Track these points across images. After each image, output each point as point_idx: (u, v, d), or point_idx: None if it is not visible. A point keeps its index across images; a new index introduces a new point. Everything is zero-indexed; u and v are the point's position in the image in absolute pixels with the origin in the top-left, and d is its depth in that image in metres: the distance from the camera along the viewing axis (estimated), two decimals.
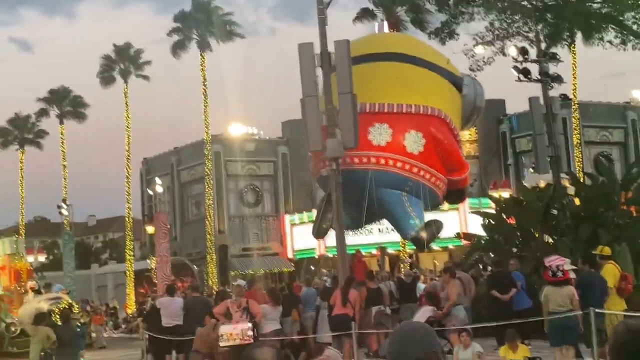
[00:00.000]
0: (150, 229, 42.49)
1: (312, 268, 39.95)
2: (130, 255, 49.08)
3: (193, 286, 21.90)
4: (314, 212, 39.34)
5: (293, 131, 43.87)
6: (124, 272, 50.65)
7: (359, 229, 21.69)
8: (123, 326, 41.61)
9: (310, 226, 39.40)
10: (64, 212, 48.07)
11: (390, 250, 36.32)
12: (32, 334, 17.51)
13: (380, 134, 19.06)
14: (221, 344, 2.98)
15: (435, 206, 20.94)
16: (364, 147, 18.65)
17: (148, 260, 44.72)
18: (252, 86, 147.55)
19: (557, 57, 26.63)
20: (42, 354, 16.98)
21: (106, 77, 49.46)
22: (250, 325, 3.20)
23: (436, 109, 19.79)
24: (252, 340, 3.13)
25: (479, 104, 21.48)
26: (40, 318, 18.03)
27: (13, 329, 29.96)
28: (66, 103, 53.36)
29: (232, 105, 68.25)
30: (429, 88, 20.25)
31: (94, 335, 33.45)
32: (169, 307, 18.05)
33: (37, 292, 31.28)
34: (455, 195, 21.26)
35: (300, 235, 42.15)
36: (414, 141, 19.16)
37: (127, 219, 50.56)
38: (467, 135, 40.14)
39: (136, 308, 42.28)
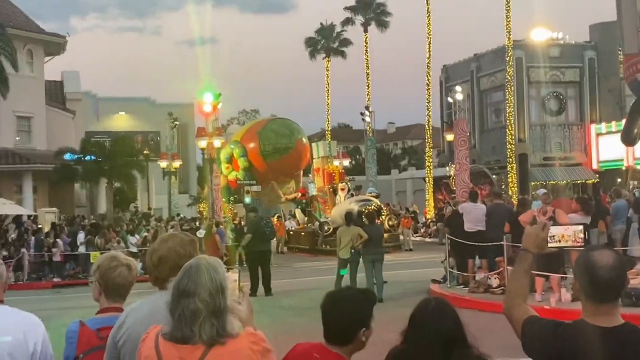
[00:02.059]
0: (449, 137, 42.71)
1: (619, 180, 37.96)
2: (429, 162, 49.86)
3: (495, 192, 21.67)
4: (624, 121, 37.26)
5: (602, 34, 41.39)
6: (422, 179, 51.66)
7: None
8: (422, 230, 42.64)
9: (619, 136, 37.47)
10: (367, 119, 49.70)
11: None
12: (342, 232, 18.41)
13: None
14: (550, 244, 2.88)
15: None
16: None
17: (447, 168, 45.14)
18: None
19: None
20: (352, 251, 17.84)
21: None
22: (582, 227, 3.08)
23: None
24: (583, 243, 3.02)
25: None
26: (350, 217, 18.94)
27: (326, 227, 31.87)
28: (370, 11, 54.63)
29: (536, 9, 65.51)
30: None
31: (401, 238, 34.54)
32: (472, 212, 18.04)
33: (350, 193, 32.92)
34: None
35: (606, 146, 40.15)
36: None
37: (426, 126, 51.24)
38: None
39: (435, 213, 43.09)
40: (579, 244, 3.58)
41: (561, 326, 3.21)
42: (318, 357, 3.54)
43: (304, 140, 41.94)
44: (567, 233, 3.61)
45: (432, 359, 3.39)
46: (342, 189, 34.21)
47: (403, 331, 3.51)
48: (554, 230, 3.55)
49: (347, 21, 56.02)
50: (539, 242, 3.51)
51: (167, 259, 3.92)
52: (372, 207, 29.87)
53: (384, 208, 33.49)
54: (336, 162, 41.10)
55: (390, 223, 33.80)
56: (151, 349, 3.14)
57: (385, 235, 32.45)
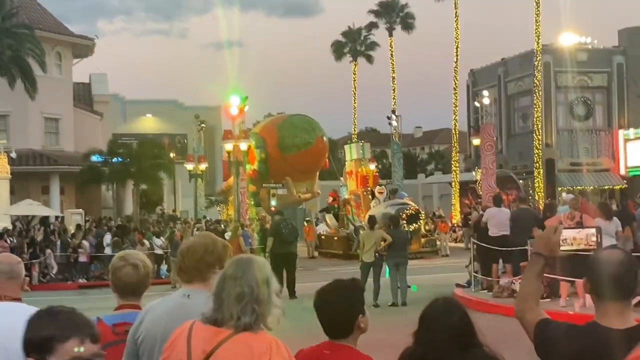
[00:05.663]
0: (475, 141, 42.52)
1: None
2: (455, 167, 49.68)
3: (520, 197, 21.60)
4: None
5: (631, 39, 41.06)
6: (449, 183, 51.47)
7: None
8: (449, 235, 42.40)
9: None
10: (393, 122, 49.59)
11: None
12: (366, 236, 18.40)
13: None
14: (563, 247, 2.83)
15: None
16: None
17: (473, 172, 44.95)
18: None
19: None
20: (376, 255, 17.82)
21: None
22: (594, 230, 3.00)
23: None
24: (596, 246, 2.94)
25: None
26: (374, 221, 18.90)
27: (361, 231, 31.57)
28: (395, 15, 54.51)
29: (564, 13, 65.02)
30: None
31: (438, 243, 34.15)
32: (496, 216, 17.97)
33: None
34: None
35: (635, 151, 39.89)
36: None
37: (453, 130, 51.06)
38: None
39: (461, 218, 42.89)
40: (591, 247, 3.53)
41: (573, 328, 3.18)
42: (329, 353, 3.56)
43: (325, 139, 41.19)
44: (579, 236, 3.57)
45: (443, 359, 3.37)
46: (380, 192, 33.93)
47: (414, 332, 3.50)
48: (566, 233, 3.51)
49: (372, 25, 55.95)
50: (551, 245, 3.48)
51: (195, 251, 3.95)
52: (411, 210, 29.66)
53: (422, 212, 33.10)
54: (371, 166, 40.49)
55: (427, 227, 33.50)
56: (184, 329, 3.21)
57: (422, 240, 32.31)
